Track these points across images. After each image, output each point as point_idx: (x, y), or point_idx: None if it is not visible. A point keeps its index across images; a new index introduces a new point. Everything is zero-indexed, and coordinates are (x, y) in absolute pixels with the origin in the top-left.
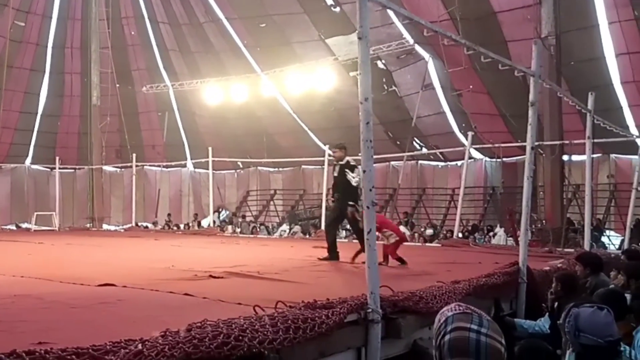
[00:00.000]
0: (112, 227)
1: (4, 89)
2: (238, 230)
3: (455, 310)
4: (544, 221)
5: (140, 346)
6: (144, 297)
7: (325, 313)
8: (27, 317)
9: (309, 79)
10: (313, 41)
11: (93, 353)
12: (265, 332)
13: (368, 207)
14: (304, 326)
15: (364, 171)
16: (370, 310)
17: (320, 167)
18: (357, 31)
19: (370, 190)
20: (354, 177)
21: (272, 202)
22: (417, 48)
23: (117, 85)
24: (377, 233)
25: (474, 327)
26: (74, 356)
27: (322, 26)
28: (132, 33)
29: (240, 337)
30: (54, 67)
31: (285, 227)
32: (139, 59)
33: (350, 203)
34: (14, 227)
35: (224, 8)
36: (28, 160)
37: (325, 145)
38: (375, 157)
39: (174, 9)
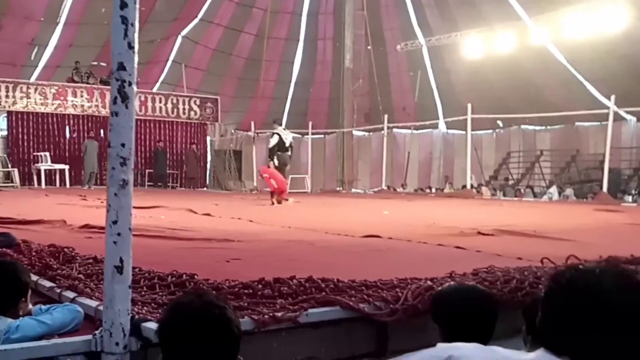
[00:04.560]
0: (360, 191)
1: (264, 59)
2: (499, 193)
3: None
4: None
5: (429, 282)
6: (414, 248)
7: None
8: (301, 257)
9: (588, 22)
10: None
11: (381, 286)
12: None
13: None
14: None
15: None
16: None
17: (599, 123)
18: None
19: None
20: (270, 142)
21: (537, 164)
22: None
23: (369, 47)
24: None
25: None
26: (363, 287)
27: None
28: None
29: (535, 284)
30: (307, 35)
31: (553, 190)
32: (392, 18)
33: (269, 159)
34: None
35: None
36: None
37: (609, 97)
38: None
39: None
